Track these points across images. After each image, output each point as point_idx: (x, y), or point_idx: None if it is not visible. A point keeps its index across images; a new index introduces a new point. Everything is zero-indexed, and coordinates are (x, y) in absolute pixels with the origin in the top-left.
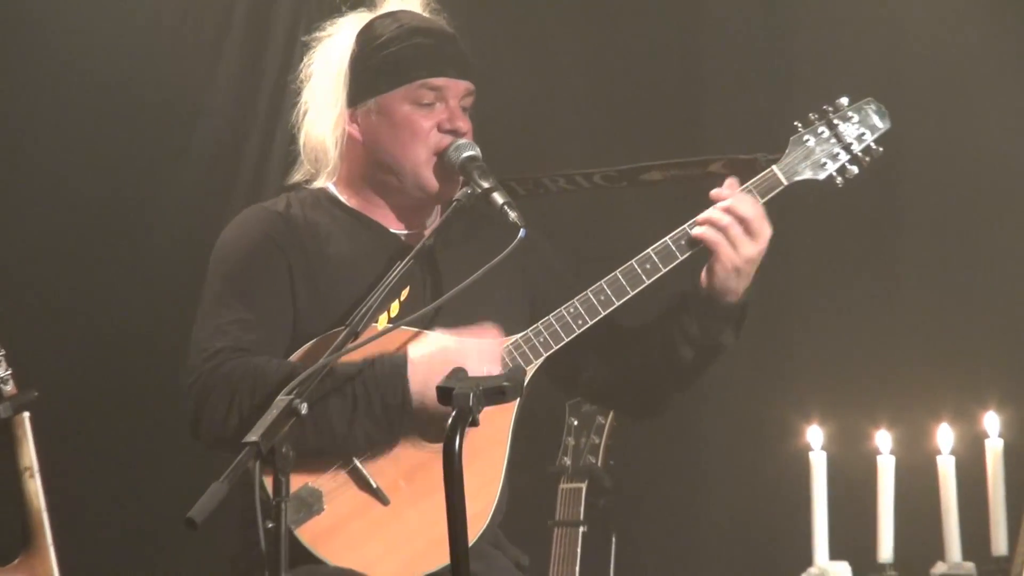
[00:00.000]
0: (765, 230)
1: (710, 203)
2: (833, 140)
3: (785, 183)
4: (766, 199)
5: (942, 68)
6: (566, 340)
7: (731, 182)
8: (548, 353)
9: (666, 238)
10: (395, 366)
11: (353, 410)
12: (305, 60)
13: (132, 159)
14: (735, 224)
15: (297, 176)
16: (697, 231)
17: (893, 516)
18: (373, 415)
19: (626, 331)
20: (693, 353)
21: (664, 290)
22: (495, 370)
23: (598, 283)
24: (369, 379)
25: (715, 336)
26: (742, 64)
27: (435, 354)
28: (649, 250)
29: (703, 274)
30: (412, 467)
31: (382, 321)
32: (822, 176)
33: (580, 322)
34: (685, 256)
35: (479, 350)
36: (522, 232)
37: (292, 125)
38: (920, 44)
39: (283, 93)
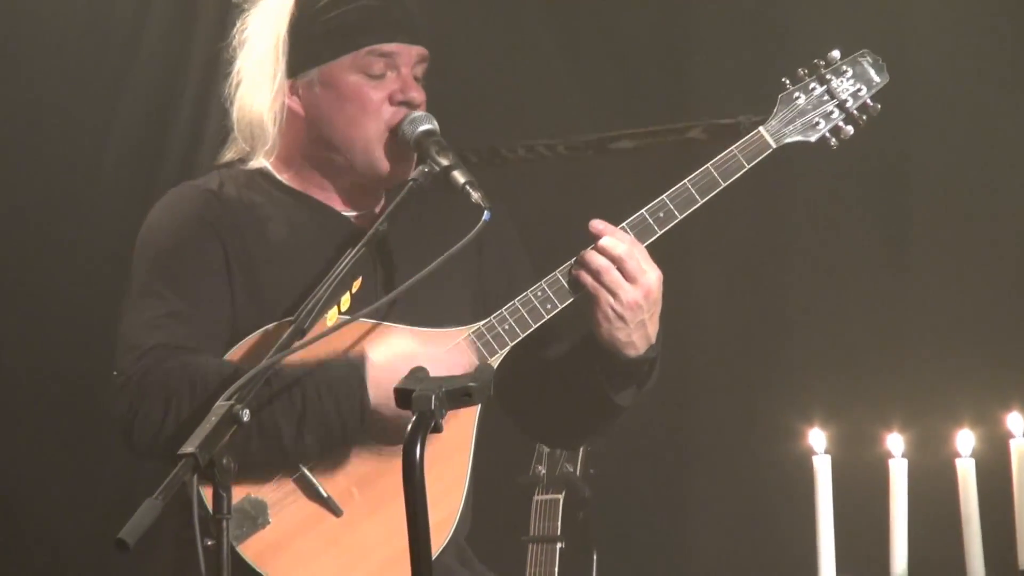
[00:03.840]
0: (646, 273)
1: (691, 168)
2: (826, 97)
3: (773, 146)
4: (752, 165)
5: (953, 27)
6: (534, 327)
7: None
8: (513, 343)
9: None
10: (352, 368)
11: (302, 418)
12: (238, 25)
13: (47, 141)
14: (611, 268)
15: (229, 154)
16: (576, 272)
17: (907, 526)
18: (327, 424)
19: (562, 354)
20: (582, 405)
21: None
22: None
23: (568, 262)
24: (322, 383)
25: (607, 393)
26: (728, 16)
27: (398, 359)
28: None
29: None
30: (366, 474)
31: (332, 316)
32: (814, 138)
33: (549, 306)
34: None
35: (448, 360)
36: (486, 215)
37: (225, 98)
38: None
39: (215, 63)
